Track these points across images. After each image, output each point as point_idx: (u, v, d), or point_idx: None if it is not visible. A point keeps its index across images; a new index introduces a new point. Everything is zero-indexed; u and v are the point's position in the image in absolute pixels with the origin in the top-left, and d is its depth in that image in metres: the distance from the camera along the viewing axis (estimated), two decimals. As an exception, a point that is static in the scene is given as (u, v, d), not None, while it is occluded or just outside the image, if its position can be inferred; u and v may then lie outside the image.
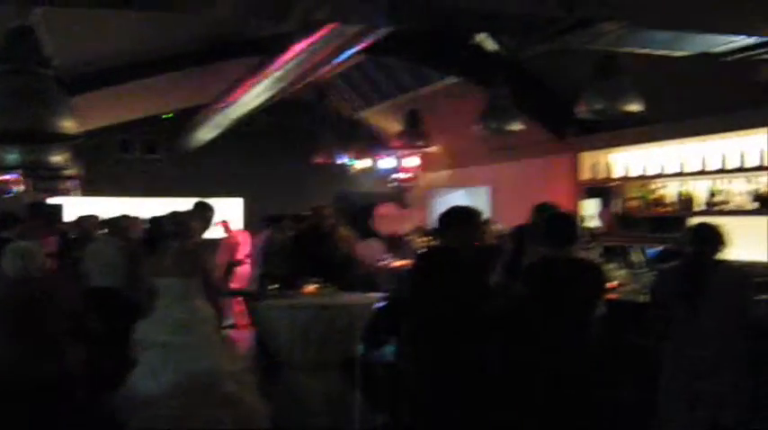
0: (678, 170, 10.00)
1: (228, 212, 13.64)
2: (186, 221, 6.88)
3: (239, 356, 6.95)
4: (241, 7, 5.31)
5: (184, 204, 8.26)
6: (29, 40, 5.53)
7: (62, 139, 6.38)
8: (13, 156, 9.65)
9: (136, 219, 9.74)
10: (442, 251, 5.84)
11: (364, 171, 16.41)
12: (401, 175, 16.38)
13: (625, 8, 5.11)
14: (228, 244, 12.46)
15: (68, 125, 5.56)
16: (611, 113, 7.78)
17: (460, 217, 5.70)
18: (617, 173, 11.18)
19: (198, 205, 8.28)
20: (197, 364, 6.30)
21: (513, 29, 5.98)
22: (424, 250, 8.25)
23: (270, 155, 16.92)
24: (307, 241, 9.24)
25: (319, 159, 15.73)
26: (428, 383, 5.47)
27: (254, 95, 11.01)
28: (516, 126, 9.78)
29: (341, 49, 8.26)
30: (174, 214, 7.08)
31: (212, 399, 6.25)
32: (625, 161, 11.01)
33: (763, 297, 6.18)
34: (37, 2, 5.48)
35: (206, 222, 8.19)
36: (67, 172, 12.62)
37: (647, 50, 6.03)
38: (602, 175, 11.42)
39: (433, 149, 14.11)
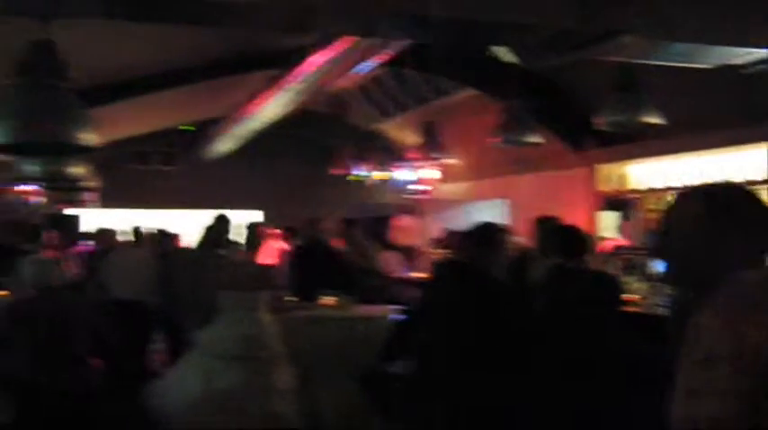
0: (698, 182, 9.88)
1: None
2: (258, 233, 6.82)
3: (293, 375, 6.87)
4: (262, 21, 5.31)
5: (203, 216, 8.29)
6: (50, 54, 5.54)
7: (81, 152, 6.40)
8: (33, 168, 9.73)
9: (176, 235, 9.88)
10: (460, 265, 5.82)
11: (381, 183, 16.38)
12: (418, 187, 16.35)
13: (644, 21, 5.09)
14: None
15: (88, 137, 5.57)
16: (631, 126, 7.76)
17: (487, 233, 5.68)
18: (636, 185, 11.12)
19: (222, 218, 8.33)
20: (257, 379, 6.24)
21: (532, 42, 5.96)
22: (441, 261, 8.23)
23: (288, 166, 16.95)
24: (309, 253, 9.17)
25: (336, 171, 15.73)
26: (440, 398, 5.44)
27: (271, 107, 11.04)
28: (534, 138, 9.77)
29: (358, 62, 8.28)
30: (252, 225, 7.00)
31: (263, 416, 6.20)
32: (644, 173, 10.94)
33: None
34: (58, 14, 5.48)
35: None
36: (86, 183, 12.70)
37: (667, 62, 6.00)
38: (620, 188, 11.36)
39: (450, 161, 14.09)
